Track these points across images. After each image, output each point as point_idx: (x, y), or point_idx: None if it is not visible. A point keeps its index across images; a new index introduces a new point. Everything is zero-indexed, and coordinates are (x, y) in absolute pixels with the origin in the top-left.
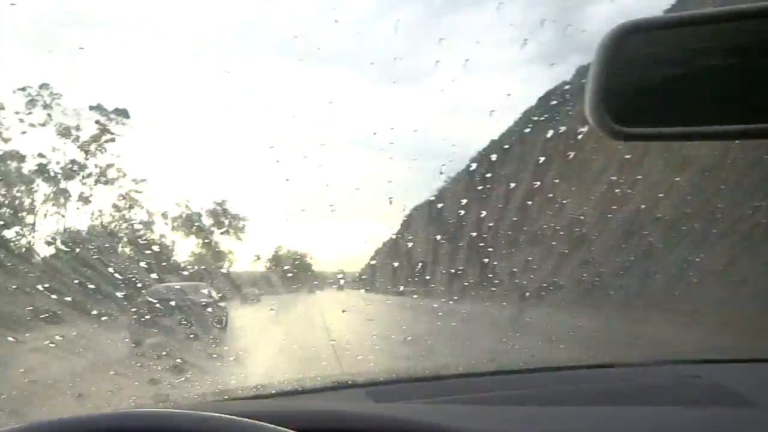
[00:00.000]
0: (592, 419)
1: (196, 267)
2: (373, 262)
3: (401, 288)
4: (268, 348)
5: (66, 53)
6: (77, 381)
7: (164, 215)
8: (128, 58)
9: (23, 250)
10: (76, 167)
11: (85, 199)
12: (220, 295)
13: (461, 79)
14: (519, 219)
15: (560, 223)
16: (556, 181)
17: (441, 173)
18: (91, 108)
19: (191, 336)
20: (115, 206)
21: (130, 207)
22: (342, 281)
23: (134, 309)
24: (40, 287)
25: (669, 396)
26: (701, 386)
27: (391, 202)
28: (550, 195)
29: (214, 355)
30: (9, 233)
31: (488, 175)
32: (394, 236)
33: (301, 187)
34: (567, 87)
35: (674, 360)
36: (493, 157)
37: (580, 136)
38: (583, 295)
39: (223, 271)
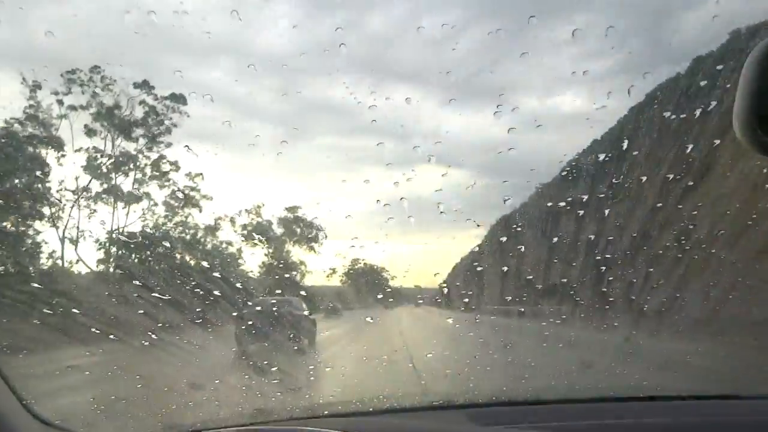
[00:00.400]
0: None
1: (278, 280)
2: (457, 280)
3: (491, 306)
4: (353, 360)
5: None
6: (186, 389)
7: (247, 230)
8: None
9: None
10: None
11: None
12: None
13: (546, 92)
14: (627, 237)
15: (678, 243)
16: (669, 197)
17: (537, 187)
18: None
19: (288, 345)
20: (209, 227)
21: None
22: (420, 299)
23: (239, 319)
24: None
25: None
26: None
27: (478, 225)
28: (660, 211)
29: (309, 366)
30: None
31: (581, 192)
32: (478, 254)
33: (377, 202)
34: (660, 98)
35: None
36: (587, 171)
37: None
38: (704, 320)
39: (305, 284)
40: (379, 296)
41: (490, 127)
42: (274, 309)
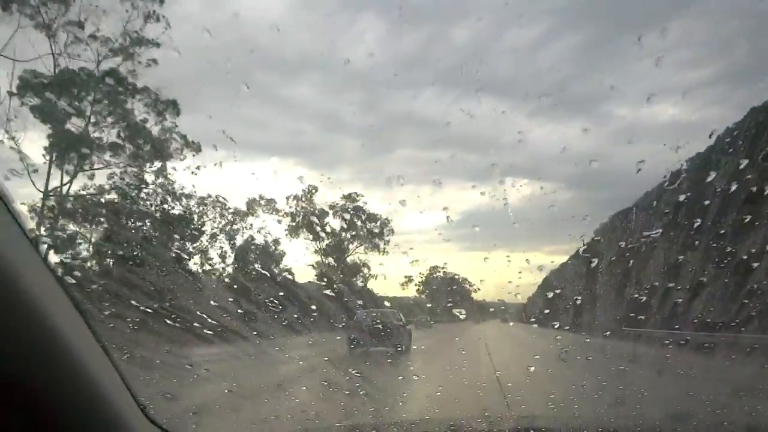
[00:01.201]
0: None
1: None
2: (545, 295)
3: (579, 324)
4: (441, 371)
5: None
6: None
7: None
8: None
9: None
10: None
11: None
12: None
13: (638, 104)
14: (724, 257)
15: None
16: None
17: (655, 206)
18: None
19: (389, 350)
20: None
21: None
22: (507, 314)
23: (350, 328)
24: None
25: None
26: None
27: (569, 237)
28: None
29: (400, 374)
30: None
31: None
32: (568, 269)
33: (461, 213)
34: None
35: None
36: (685, 185)
37: None
38: None
39: (382, 294)
40: (462, 310)
41: (577, 139)
42: (378, 320)
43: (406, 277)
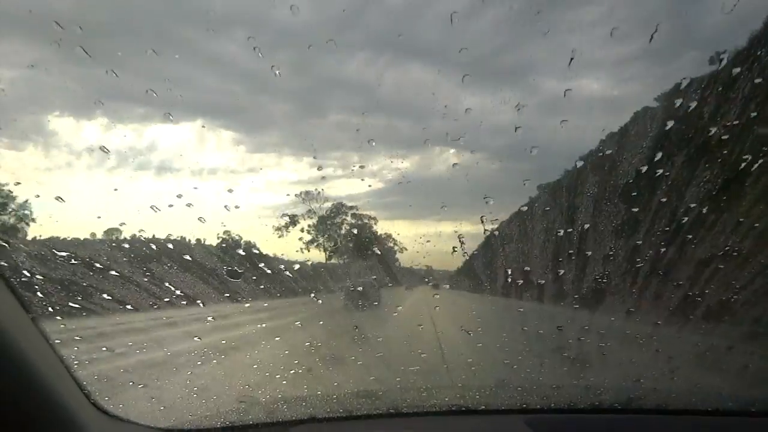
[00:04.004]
0: None
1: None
2: (469, 264)
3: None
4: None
5: None
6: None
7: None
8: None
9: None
10: None
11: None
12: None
13: (564, 76)
14: (640, 230)
15: (699, 237)
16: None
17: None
18: None
19: (370, 303)
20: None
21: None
22: (435, 280)
23: (344, 290)
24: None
25: None
26: None
27: (487, 202)
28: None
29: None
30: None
31: (598, 177)
32: (494, 238)
33: (391, 181)
34: (687, 85)
35: None
36: (607, 160)
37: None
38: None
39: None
40: (392, 276)
41: (508, 109)
42: (364, 284)
43: (333, 243)
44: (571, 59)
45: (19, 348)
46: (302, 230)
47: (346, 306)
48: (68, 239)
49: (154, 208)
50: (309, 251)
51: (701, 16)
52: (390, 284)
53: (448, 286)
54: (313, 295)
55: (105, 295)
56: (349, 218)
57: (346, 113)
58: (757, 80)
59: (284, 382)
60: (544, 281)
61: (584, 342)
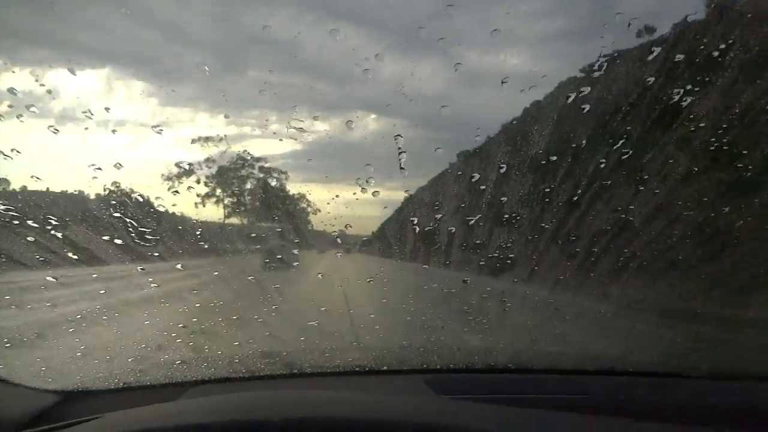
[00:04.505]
0: None
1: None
2: (386, 229)
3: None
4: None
5: None
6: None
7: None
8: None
9: None
10: None
11: None
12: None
13: (487, 49)
14: (542, 202)
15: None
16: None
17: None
18: None
19: (285, 265)
20: None
21: None
22: (349, 244)
23: (265, 251)
24: None
25: (741, 418)
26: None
27: (405, 169)
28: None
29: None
30: None
31: (512, 150)
32: (409, 205)
33: (308, 149)
34: (599, 66)
35: (743, 376)
36: (518, 134)
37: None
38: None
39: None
40: (313, 241)
41: (431, 78)
42: (278, 247)
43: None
44: (494, 30)
45: None
46: (198, 182)
47: (256, 267)
48: None
49: (54, 158)
50: (204, 206)
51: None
52: (302, 247)
53: (361, 250)
54: (218, 255)
55: None
56: (256, 172)
57: (266, 71)
58: (678, 57)
59: (190, 343)
60: (453, 246)
61: (485, 305)
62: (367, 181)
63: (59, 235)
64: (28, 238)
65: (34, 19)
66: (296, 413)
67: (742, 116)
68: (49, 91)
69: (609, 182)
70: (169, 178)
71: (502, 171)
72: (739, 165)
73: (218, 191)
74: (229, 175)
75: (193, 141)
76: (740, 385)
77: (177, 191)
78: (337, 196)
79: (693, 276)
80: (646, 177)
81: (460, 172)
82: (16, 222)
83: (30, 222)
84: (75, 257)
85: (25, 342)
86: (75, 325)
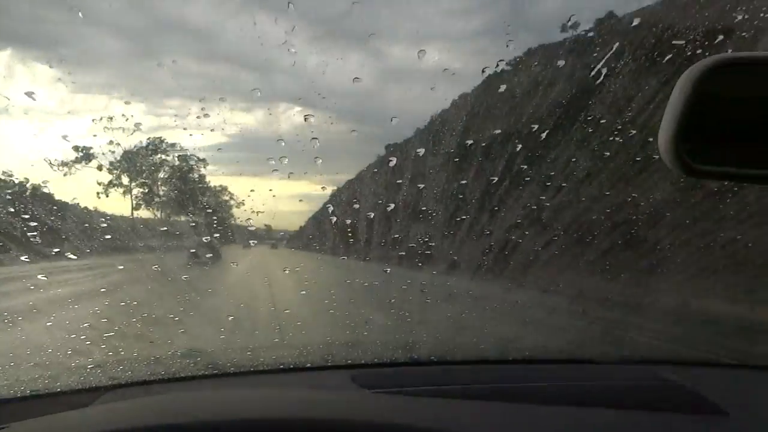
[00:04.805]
0: (562, 420)
1: None
2: (312, 224)
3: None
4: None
5: None
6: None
7: None
8: None
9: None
10: None
11: None
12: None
13: (407, 45)
14: (463, 196)
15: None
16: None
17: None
18: None
19: (211, 261)
20: None
21: None
22: (275, 240)
23: (185, 248)
24: None
25: (643, 399)
26: (675, 391)
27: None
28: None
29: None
30: None
31: (428, 147)
32: (334, 199)
33: (231, 141)
34: (513, 64)
35: (649, 360)
36: (435, 130)
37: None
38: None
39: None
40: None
41: (356, 72)
42: (204, 242)
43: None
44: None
45: None
46: (99, 168)
47: (175, 264)
48: None
49: None
50: (108, 196)
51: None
52: (226, 242)
53: (286, 245)
54: (132, 252)
55: None
56: (171, 159)
57: (185, 59)
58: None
59: (103, 346)
60: (375, 240)
61: (407, 298)
62: (290, 175)
63: None
64: None
65: None
66: (217, 415)
67: (636, 116)
68: None
69: (524, 176)
70: (65, 164)
71: (423, 165)
72: (636, 161)
73: (125, 179)
74: (139, 162)
75: (95, 120)
76: (646, 368)
77: (67, 173)
78: (257, 190)
79: (600, 265)
80: (553, 173)
81: (384, 166)
82: None
83: None
84: None
85: None
86: None
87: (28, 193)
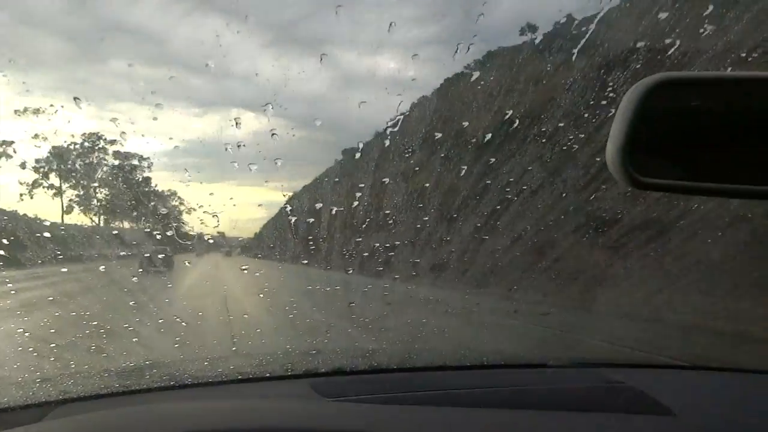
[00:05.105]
0: (518, 424)
1: None
2: (268, 231)
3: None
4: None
5: None
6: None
7: None
8: None
9: None
10: None
11: None
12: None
13: (363, 51)
14: (418, 203)
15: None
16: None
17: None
18: None
19: (163, 269)
20: None
21: None
22: (229, 247)
23: (143, 256)
24: None
25: (592, 401)
26: (623, 392)
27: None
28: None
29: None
30: None
31: (383, 153)
32: (289, 205)
33: (186, 141)
34: (469, 72)
35: (600, 363)
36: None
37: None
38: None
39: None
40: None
41: (309, 79)
42: (158, 252)
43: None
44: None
45: None
46: (22, 166)
47: (126, 273)
48: None
49: None
50: (32, 198)
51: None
52: (177, 250)
53: (242, 252)
54: (80, 262)
55: None
56: (110, 158)
57: (134, 62)
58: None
59: (52, 359)
60: (334, 247)
61: (368, 305)
62: (243, 182)
63: None
64: None
65: None
66: (176, 428)
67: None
68: None
69: (479, 185)
70: None
71: (383, 172)
72: (581, 172)
73: (53, 179)
74: (71, 160)
75: (17, 112)
76: (596, 371)
77: None
78: (212, 196)
79: (553, 273)
80: (509, 181)
81: (336, 179)
82: None
83: None
84: None
85: None
86: None
87: None
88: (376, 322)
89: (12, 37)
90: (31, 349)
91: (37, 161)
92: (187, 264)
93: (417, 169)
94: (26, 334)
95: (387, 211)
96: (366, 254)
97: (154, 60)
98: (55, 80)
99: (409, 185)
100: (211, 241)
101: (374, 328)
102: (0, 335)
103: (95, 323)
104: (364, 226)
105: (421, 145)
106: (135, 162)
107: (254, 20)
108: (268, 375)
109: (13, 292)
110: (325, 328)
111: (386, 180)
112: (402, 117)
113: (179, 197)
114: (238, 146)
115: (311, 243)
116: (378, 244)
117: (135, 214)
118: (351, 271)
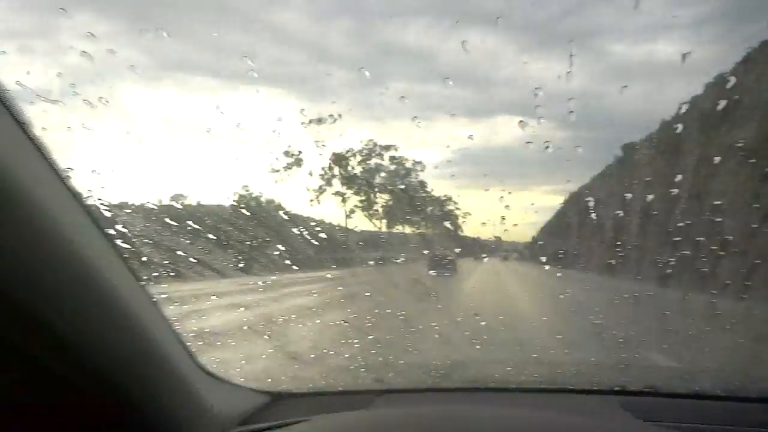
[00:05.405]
0: None
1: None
2: (546, 235)
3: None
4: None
5: None
6: None
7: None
8: None
9: None
10: None
11: None
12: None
13: (634, 40)
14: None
15: None
16: None
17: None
18: None
19: (450, 272)
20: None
21: None
22: (505, 251)
23: (430, 258)
24: None
25: None
26: None
27: (566, 177)
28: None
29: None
30: None
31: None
32: (565, 209)
33: (457, 150)
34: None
35: None
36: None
37: None
38: None
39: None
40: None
41: (575, 76)
42: (445, 254)
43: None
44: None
45: (135, 316)
46: (310, 174)
47: (412, 276)
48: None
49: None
50: (319, 202)
51: None
52: (457, 254)
53: (519, 257)
54: (372, 263)
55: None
56: (386, 163)
57: (406, 81)
58: None
59: (372, 351)
60: (635, 252)
61: (679, 321)
62: (514, 187)
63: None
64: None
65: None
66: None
67: None
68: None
69: None
70: (275, 170)
71: (670, 169)
72: None
73: (337, 185)
74: (349, 167)
75: (304, 124)
76: None
77: (280, 179)
78: (488, 206)
79: None
80: None
81: (623, 168)
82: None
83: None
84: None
85: (226, 342)
86: (259, 329)
87: (252, 204)
88: (694, 342)
89: (311, 73)
90: (351, 340)
91: (323, 169)
92: (468, 267)
93: (713, 163)
94: (340, 326)
95: (681, 216)
96: (673, 263)
97: (424, 76)
98: (343, 106)
99: (703, 183)
100: (487, 245)
101: (693, 348)
102: (331, 326)
103: (402, 317)
104: (677, 227)
105: (716, 139)
106: (409, 165)
107: (513, 25)
108: (569, 387)
109: (340, 288)
110: (626, 340)
111: (674, 179)
112: (683, 108)
113: (454, 202)
114: (504, 152)
115: (606, 248)
116: (699, 251)
117: (415, 218)
118: (652, 282)
